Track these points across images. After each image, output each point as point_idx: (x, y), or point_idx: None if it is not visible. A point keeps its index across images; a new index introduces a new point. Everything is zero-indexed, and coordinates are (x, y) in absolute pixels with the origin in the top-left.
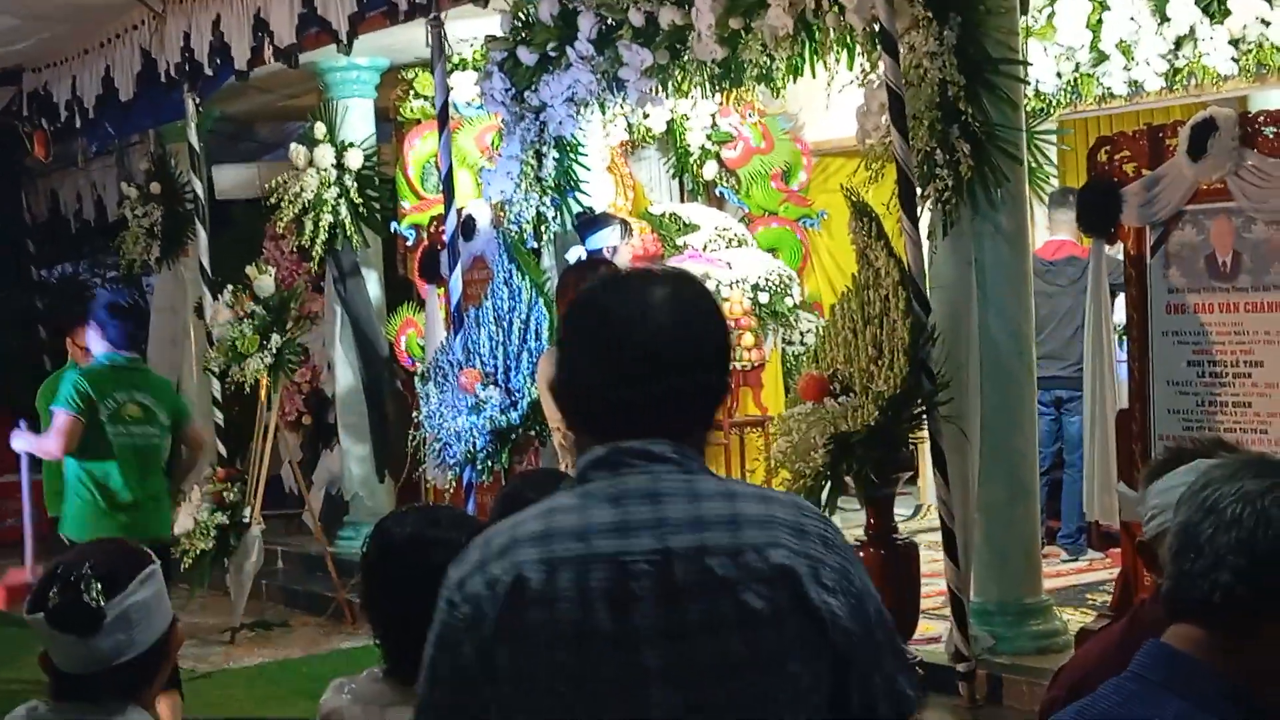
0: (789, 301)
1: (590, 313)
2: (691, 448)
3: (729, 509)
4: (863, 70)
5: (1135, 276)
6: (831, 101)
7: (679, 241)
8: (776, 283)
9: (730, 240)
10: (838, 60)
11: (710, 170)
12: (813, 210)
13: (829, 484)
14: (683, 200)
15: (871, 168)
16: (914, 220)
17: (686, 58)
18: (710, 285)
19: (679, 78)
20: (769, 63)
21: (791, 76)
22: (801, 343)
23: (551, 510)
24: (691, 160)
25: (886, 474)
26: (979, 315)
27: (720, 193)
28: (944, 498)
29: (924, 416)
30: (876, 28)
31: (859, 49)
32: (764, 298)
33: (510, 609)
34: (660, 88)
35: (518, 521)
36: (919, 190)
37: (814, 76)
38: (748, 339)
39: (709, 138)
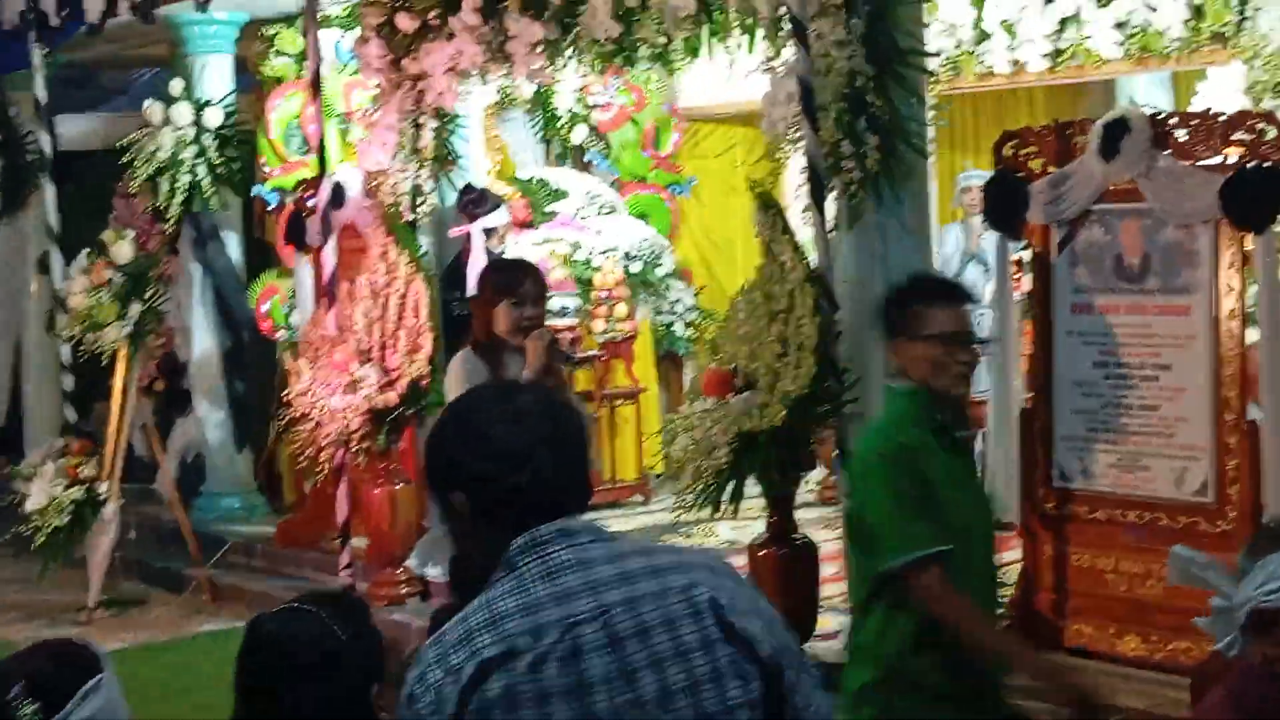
0: (660, 271)
1: (485, 419)
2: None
3: (648, 562)
4: (767, 56)
5: (1039, 274)
6: (699, 68)
7: (548, 209)
8: (648, 251)
9: (601, 207)
10: (739, 46)
11: (579, 135)
12: (682, 177)
13: (732, 482)
14: (549, 164)
15: (777, 158)
16: (822, 215)
17: (578, 33)
18: (581, 254)
19: (570, 54)
20: (665, 43)
21: (689, 57)
22: (672, 311)
23: (492, 600)
24: (560, 124)
25: (791, 473)
26: None
27: (589, 158)
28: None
29: (830, 415)
30: (781, 12)
31: (761, 33)
32: (635, 267)
33: (472, 688)
34: (550, 63)
35: (464, 616)
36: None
37: (711, 58)
38: (620, 309)
39: (578, 101)
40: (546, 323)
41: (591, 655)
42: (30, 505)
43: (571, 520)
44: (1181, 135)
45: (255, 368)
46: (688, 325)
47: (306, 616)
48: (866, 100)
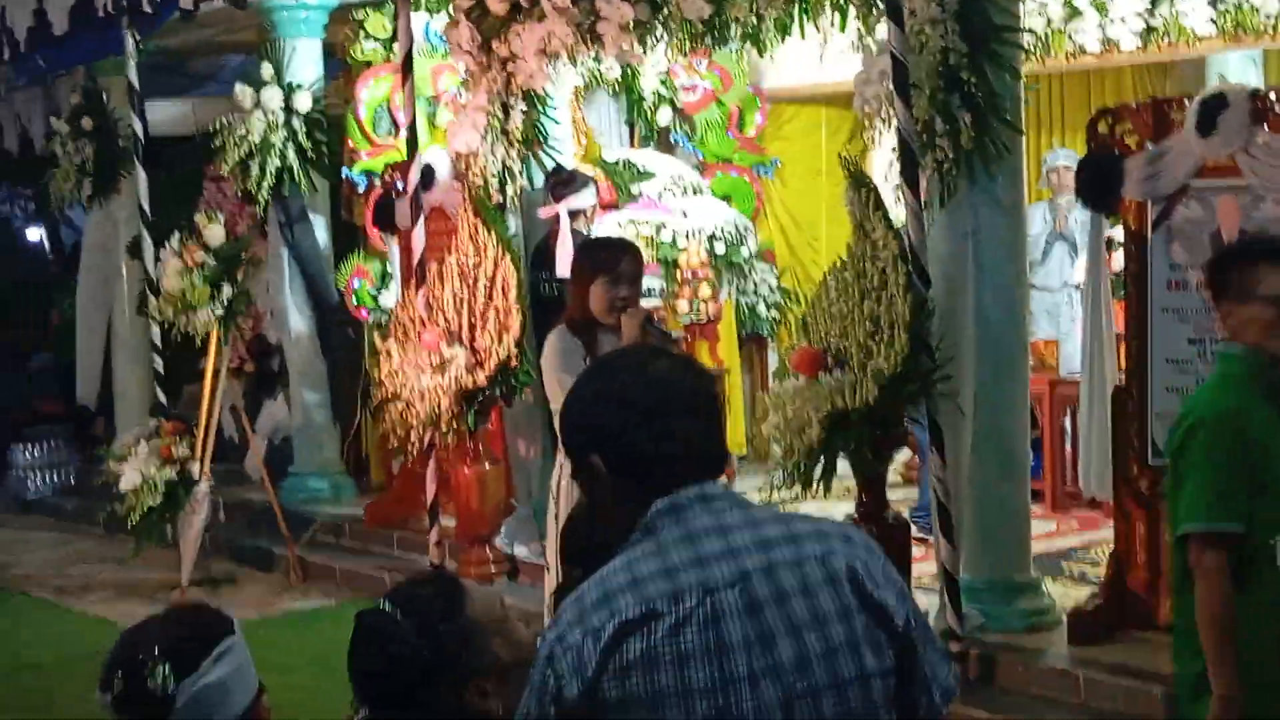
0: (744, 252)
1: (624, 381)
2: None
3: (785, 529)
4: (859, 33)
5: (1135, 252)
6: (784, 48)
7: (633, 189)
8: (732, 233)
9: (686, 189)
10: (831, 24)
11: (665, 116)
12: (766, 158)
13: (824, 461)
14: (633, 146)
15: (866, 137)
16: (916, 192)
17: (669, 13)
18: (665, 235)
19: (660, 34)
20: (756, 22)
21: (780, 36)
22: (756, 292)
23: (632, 562)
24: (645, 106)
25: (883, 451)
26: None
27: (674, 139)
28: (940, 475)
29: (922, 394)
30: None
31: (853, 11)
32: (720, 248)
33: (613, 648)
34: (640, 44)
35: (603, 577)
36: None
37: (804, 37)
38: (705, 290)
39: (663, 83)
40: None
41: (730, 620)
42: (124, 485)
43: (710, 486)
44: None
45: (342, 350)
46: (771, 307)
47: (377, 616)
48: (961, 77)
